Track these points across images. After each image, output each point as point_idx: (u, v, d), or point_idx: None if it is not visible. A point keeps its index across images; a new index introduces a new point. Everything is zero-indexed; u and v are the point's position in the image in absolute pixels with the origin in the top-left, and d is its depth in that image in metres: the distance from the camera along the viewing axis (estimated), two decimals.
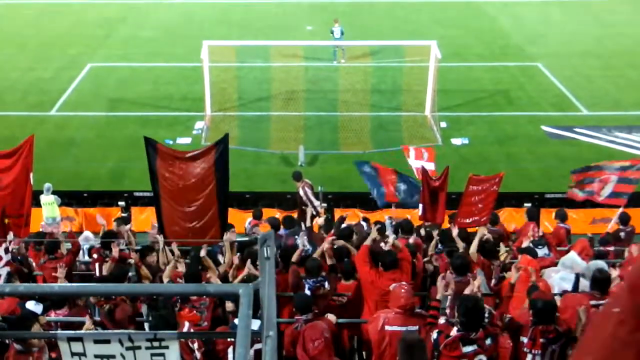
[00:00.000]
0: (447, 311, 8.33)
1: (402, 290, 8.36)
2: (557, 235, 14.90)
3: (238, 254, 11.53)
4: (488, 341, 7.49)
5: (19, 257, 12.17)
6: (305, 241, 11.91)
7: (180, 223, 12.26)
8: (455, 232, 12.43)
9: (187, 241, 12.27)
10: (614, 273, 9.61)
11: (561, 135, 23.62)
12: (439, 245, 12.69)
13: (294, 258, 10.88)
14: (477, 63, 30.18)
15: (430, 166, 16.05)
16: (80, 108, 25.72)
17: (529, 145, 23.06)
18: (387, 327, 8.23)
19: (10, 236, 11.64)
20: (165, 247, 11.68)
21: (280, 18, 36.08)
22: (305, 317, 8.60)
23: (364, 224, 15.04)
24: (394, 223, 14.78)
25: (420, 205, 15.21)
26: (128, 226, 14.68)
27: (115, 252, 11.26)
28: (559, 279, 10.33)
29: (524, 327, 7.99)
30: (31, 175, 12.65)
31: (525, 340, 7.91)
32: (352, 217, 16.82)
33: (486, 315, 7.91)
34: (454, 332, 7.48)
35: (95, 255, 12.21)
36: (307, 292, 9.76)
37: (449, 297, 8.69)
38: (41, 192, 17.55)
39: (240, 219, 16.28)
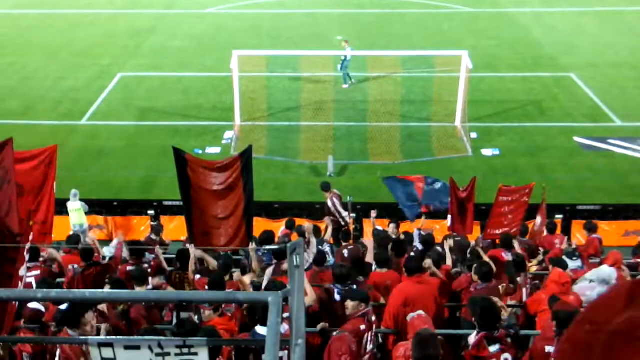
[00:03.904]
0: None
1: (421, 322, 8.25)
2: (591, 246, 14.70)
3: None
4: (509, 340, 7.67)
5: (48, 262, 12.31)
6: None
7: (210, 231, 12.32)
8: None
9: (215, 248, 12.34)
10: None
11: (594, 146, 23.28)
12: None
13: None
14: (509, 73, 29.93)
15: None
16: (111, 117, 25.92)
17: (561, 156, 22.77)
18: None
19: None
20: (195, 256, 11.68)
21: (310, 28, 36.12)
22: (371, 308, 8.76)
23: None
24: (422, 233, 14.77)
25: (449, 217, 15.15)
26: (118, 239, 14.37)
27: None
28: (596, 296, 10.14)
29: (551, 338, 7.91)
30: (54, 185, 12.67)
31: (551, 350, 7.81)
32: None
33: (505, 317, 8.23)
34: (472, 336, 7.63)
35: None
36: (337, 296, 9.73)
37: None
38: (68, 200, 17.62)
39: (268, 229, 16.20)
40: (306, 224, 14.40)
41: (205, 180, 12.10)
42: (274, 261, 11.39)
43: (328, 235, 15.32)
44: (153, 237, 15.32)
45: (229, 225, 12.27)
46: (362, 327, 8.49)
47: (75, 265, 11.77)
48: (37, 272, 11.45)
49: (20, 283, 7.91)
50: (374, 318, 8.78)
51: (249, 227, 12.46)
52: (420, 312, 8.64)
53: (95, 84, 29.06)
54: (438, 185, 16.21)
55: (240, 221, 12.26)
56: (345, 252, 13.48)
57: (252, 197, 12.29)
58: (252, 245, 12.01)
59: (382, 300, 10.26)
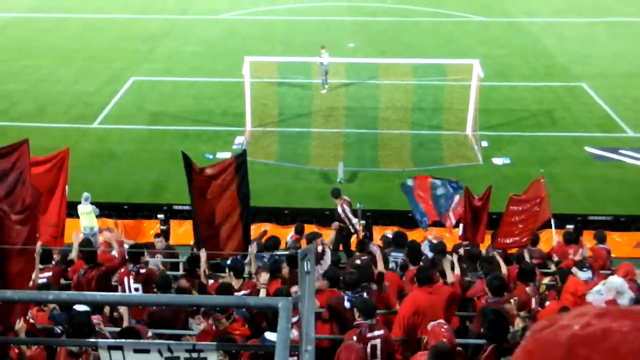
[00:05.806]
0: None
1: (443, 330, 8.16)
2: (598, 257, 14.58)
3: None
4: None
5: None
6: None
7: (208, 237, 12.35)
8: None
9: (215, 253, 12.35)
10: None
11: (606, 156, 23.20)
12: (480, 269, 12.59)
13: None
14: (521, 82, 29.89)
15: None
16: (123, 121, 26.00)
17: (573, 166, 22.69)
18: None
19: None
20: (206, 261, 11.69)
21: (323, 35, 36.09)
22: (370, 322, 8.56)
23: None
24: (433, 241, 14.71)
25: (461, 225, 15.08)
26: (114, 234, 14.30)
27: None
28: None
29: None
30: (66, 187, 12.72)
31: None
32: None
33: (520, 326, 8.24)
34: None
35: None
36: (347, 303, 9.69)
37: None
38: (79, 203, 17.66)
39: (278, 234, 16.19)
40: (325, 240, 14.30)
41: (202, 185, 12.15)
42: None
43: (329, 240, 15.28)
44: (159, 243, 15.04)
45: (224, 231, 12.27)
46: (355, 338, 8.43)
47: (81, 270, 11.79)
48: (50, 274, 11.49)
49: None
50: (375, 333, 8.58)
51: (246, 232, 12.49)
52: (442, 321, 8.55)
53: (108, 87, 29.18)
54: (439, 191, 15.99)
55: (234, 227, 12.27)
56: (358, 262, 13.38)
57: (248, 202, 12.31)
58: (252, 249, 12.05)
59: (398, 306, 10.21)
